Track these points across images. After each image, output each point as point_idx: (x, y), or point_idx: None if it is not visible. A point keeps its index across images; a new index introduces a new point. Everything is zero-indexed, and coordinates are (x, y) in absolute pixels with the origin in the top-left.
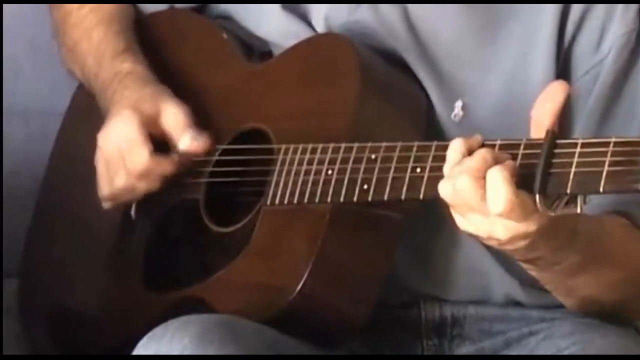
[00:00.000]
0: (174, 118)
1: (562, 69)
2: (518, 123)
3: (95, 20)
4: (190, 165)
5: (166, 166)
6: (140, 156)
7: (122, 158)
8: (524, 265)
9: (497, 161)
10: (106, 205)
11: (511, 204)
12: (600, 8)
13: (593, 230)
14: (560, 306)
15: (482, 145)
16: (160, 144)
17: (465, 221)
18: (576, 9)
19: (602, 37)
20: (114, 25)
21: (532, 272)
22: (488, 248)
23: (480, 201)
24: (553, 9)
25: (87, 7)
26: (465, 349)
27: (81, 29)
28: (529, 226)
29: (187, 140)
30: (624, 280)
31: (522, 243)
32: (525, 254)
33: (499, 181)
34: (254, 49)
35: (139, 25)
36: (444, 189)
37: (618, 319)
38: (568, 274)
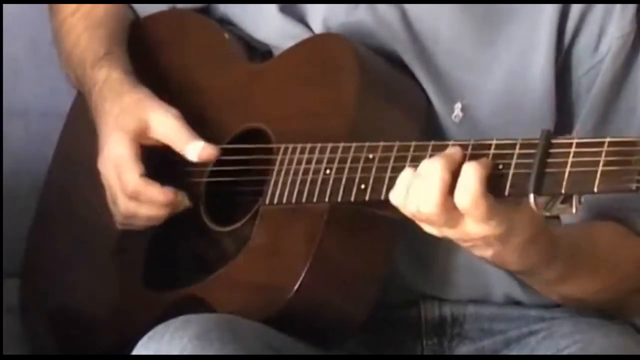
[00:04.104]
0: (163, 127)
1: (563, 68)
2: (517, 123)
3: (83, 27)
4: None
5: (155, 193)
6: (130, 178)
7: (119, 180)
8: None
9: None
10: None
11: (476, 203)
12: (599, 9)
13: (576, 245)
14: (560, 305)
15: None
16: (160, 152)
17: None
18: (575, 10)
19: (601, 38)
20: (100, 30)
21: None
22: None
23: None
24: (552, 10)
25: (80, 12)
26: (465, 349)
27: (73, 36)
28: (495, 229)
29: (194, 151)
30: (612, 287)
31: (490, 249)
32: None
33: (471, 177)
34: (257, 49)
35: (140, 26)
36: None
37: (608, 314)
38: (550, 283)
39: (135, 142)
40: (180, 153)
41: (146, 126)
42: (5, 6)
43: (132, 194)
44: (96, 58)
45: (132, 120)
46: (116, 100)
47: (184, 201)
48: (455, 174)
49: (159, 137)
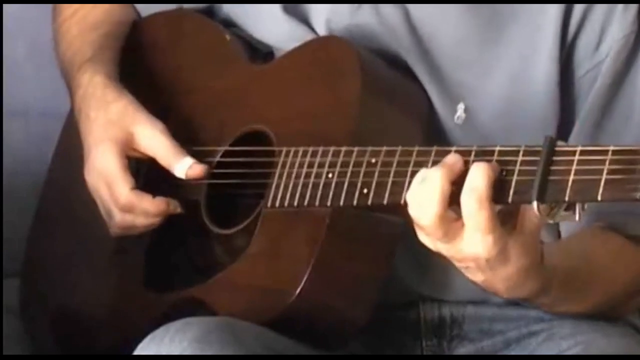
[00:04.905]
0: (150, 141)
1: (564, 67)
2: (521, 125)
3: (77, 31)
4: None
5: (147, 205)
6: (122, 191)
7: (111, 193)
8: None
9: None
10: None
11: (480, 204)
12: (600, 9)
13: (571, 271)
14: None
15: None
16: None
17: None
18: (578, 10)
19: (601, 39)
20: (92, 33)
21: None
22: None
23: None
24: (555, 10)
25: (78, 15)
26: (464, 349)
27: (67, 38)
28: (490, 248)
29: (181, 169)
30: (609, 299)
31: (482, 274)
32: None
33: (479, 178)
34: (259, 50)
35: (140, 27)
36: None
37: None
38: (543, 305)
39: (123, 153)
40: (168, 169)
41: (132, 137)
42: (5, 6)
43: (124, 208)
44: (82, 62)
45: (119, 131)
46: (101, 109)
47: (177, 209)
48: (455, 184)
49: (145, 151)
